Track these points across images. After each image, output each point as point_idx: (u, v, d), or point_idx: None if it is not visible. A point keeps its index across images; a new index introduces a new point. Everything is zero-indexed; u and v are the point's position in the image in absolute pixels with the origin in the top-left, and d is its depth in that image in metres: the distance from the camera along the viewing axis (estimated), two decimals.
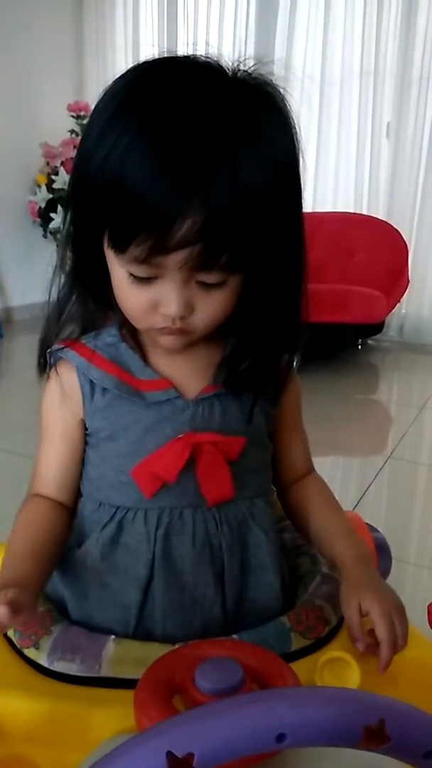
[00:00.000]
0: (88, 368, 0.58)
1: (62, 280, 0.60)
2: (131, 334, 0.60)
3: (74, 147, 3.59)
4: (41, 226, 3.66)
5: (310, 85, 3.55)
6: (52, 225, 3.57)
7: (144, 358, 0.59)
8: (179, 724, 0.32)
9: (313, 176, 3.60)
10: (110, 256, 0.52)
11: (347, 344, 3.29)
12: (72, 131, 3.66)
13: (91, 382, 0.59)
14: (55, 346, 0.61)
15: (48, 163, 3.59)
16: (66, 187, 3.49)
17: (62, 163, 3.54)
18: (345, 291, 2.89)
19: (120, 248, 0.49)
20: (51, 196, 3.55)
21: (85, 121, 3.63)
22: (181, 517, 0.58)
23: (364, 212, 3.46)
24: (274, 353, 0.60)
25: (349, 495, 1.67)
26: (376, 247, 3.25)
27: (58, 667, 0.55)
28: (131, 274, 0.51)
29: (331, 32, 3.43)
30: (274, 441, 0.66)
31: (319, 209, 3.57)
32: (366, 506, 1.60)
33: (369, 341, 3.47)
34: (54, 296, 0.60)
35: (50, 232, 3.65)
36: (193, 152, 0.45)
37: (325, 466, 1.97)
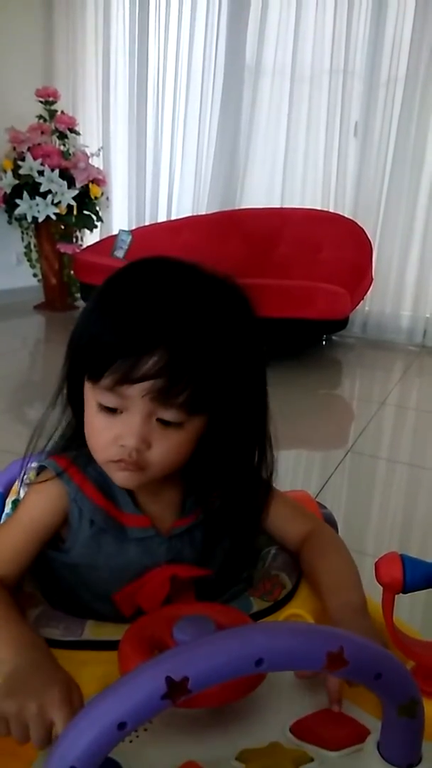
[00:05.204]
0: (80, 496, 0.63)
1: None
2: None
3: (41, 132, 3.55)
4: (6, 212, 3.59)
5: (281, 81, 3.57)
6: (18, 211, 3.51)
7: (131, 494, 0.65)
8: (175, 654, 0.37)
9: (282, 172, 3.64)
10: (87, 390, 0.58)
11: (312, 340, 3.34)
12: (40, 117, 3.60)
13: (80, 510, 0.63)
14: (53, 464, 0.65)
15: (15, 148, 3.52)
16: (31, 173, 3.44)
17: (29, 149, 3.48)
18: (310, 287, 2.93)
19: (95, 377, 0.56)
20: (17, 181, 3.48)
21: (53, 107, 3.60)
22: None
23: (331, 209, 3.51)
24: (243, 490, 0.65)
25: (311, 487, 1.71)
26: (342, 244, 3.30)
27: (43, 633, 0.58)
28: (100, 405, 0.57)
29: (302, 30, 3.46)
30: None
31: (287, 204, 3.60)
32: (326, 498, 1.64)
33: (333, 337, 3.53)
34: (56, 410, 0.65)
35: (15, 219, 3.60)
36: (164, 310, 0.55)
37: (287, 458, 2.01)
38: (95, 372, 0.56)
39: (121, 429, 0.57)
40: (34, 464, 0.70)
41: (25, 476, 0.81)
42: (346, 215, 3.43)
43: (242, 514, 0.67)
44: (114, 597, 0.63)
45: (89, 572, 0.65)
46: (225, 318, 0.58)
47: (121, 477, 0.60)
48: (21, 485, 0.83)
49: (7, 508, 0.83)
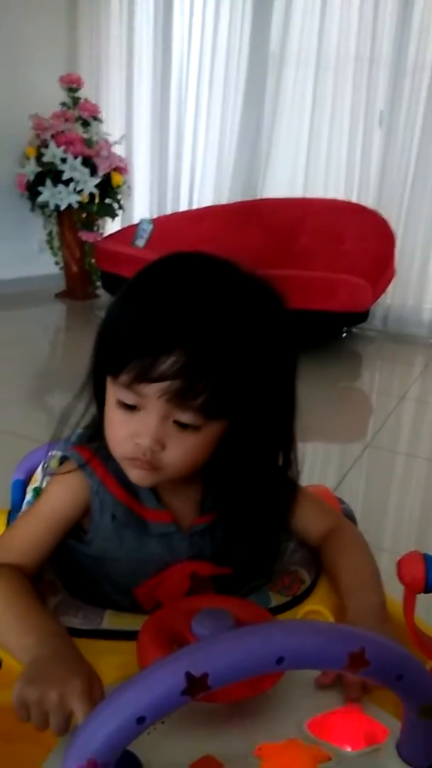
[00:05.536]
0: (102, 490, 0.63)
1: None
2: None
3: (65, 120, 3.55)
4: (29, 199, 3.60)
5: (305, 69, 3.52)
6: (40, 199, 3.52)
7: (153, 489, 0.64)
8: (195, 650, 0.37)
9: (305, 161, 3.60)
10: (108, 384, 0.58)
11: (332, 332, 3.31)
12: (63, 104, 3.60)
13: (102, 502, 0.63)
14: (75, 455, 0.64)
15: (38, 136, 3.53)
16: (54, 161, 3.45)
17: (52, 136, 3.48)
18: (331, 279, 2.91)
19: (114, 372, 0.56)
20: (40, 169, 3.49)
21: (76, 94, 3.60)
22: None
23: (354, 200, 3.46)
24: (264, 492, 0.64)
25: (328, 481, 1.70)
26: (364, 235, 3.26)
27: (63, 621, 0.58)
28: (119, 401, 0.56)
29: (327, 16, 3.40)
30: None
31: (310, 194, 3.57)
32: (343, 493, 1.63)
33: (354, 330, 3.50)
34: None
35: (38, 206, 3.61)
36: (186, 308, 0.54)
37: (305, 452, 1.99)
38: (114, 367, 0.55)
39: (137, 427, 0.56)
40: (57, 453, 0.70)
41: (47, 465, 0.82)
42: (369, 206, 3.38)
43: (265, 514, 0.66)
44: (135, 592, 0.63)
45: (110, 565, 0.65)
46: (252, 321, 0.56)
47: (135, 474, 0.59)
48: (43, 474, 0.83)
49: (28, 496, 0.84)
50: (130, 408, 0.56)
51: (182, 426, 0.56)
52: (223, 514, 0.65)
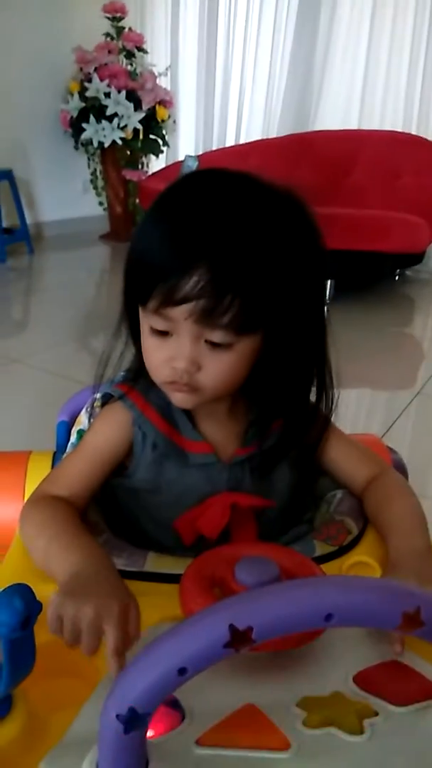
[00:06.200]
0: (143, 420, 0.64)
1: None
2: None
3: (108, 52, 3.41)
4: (72, 136, 3.53)
5: None
6: (84, 136, 3.45)
7: (191, 420, 0.65)
8: (241, 602, 0.35)
9: (361, 89, 3.39)
10: (141, 313, 0.59)
11: (384, 274, 3.18)
12: (107, 34, 3.46)
13: (144, 434, 0.64)
14: (116, 390, 0.66)
15: (81, 69, 3.42)
16: (98, 95, 3.35)
17: (96, 69, 3.37)
18: (385, 217, 2.77)
19: (142, 301, 0.56)
20: (83, 104, 3.40)
21: (120, 24, 3.44)
22: None
23: (413, 132, 3.27)
24: (302, 417, 0.65)
25: (374, 429, 1.67)
26: (423, 170, 3.07)
27: None
28: (151, 328, 0.57)
29: None
30: (322, 461, 0.70)
31: (366, 126, 3.38)
32: (390, 441, 1.59)
33: (407, 272, 3.36)
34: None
35: (81, 144, 3.53)
36: (203, 224, 0.53)
37: (351, 399, 1.95)
38: (141, 295, 0.56)
39: (172, 351, 0.57)
40: (99, 395, 0.70)
41: (91, 408, 0.82)
42: (430, 139, 3.18)
43: (300, 446, 0.66)
44: (175, 524, 0.64)
45: (151, 498, 0.66)
46: (272, 230, 0.55)
47: (177, 398, 0.60)
48: (87, 416, 0.83)
49: (73, 438, 0.84)
50: (163, 333, 0.57)
51: (215, 345, 0.56)
52: (264, 442, 0.65)
